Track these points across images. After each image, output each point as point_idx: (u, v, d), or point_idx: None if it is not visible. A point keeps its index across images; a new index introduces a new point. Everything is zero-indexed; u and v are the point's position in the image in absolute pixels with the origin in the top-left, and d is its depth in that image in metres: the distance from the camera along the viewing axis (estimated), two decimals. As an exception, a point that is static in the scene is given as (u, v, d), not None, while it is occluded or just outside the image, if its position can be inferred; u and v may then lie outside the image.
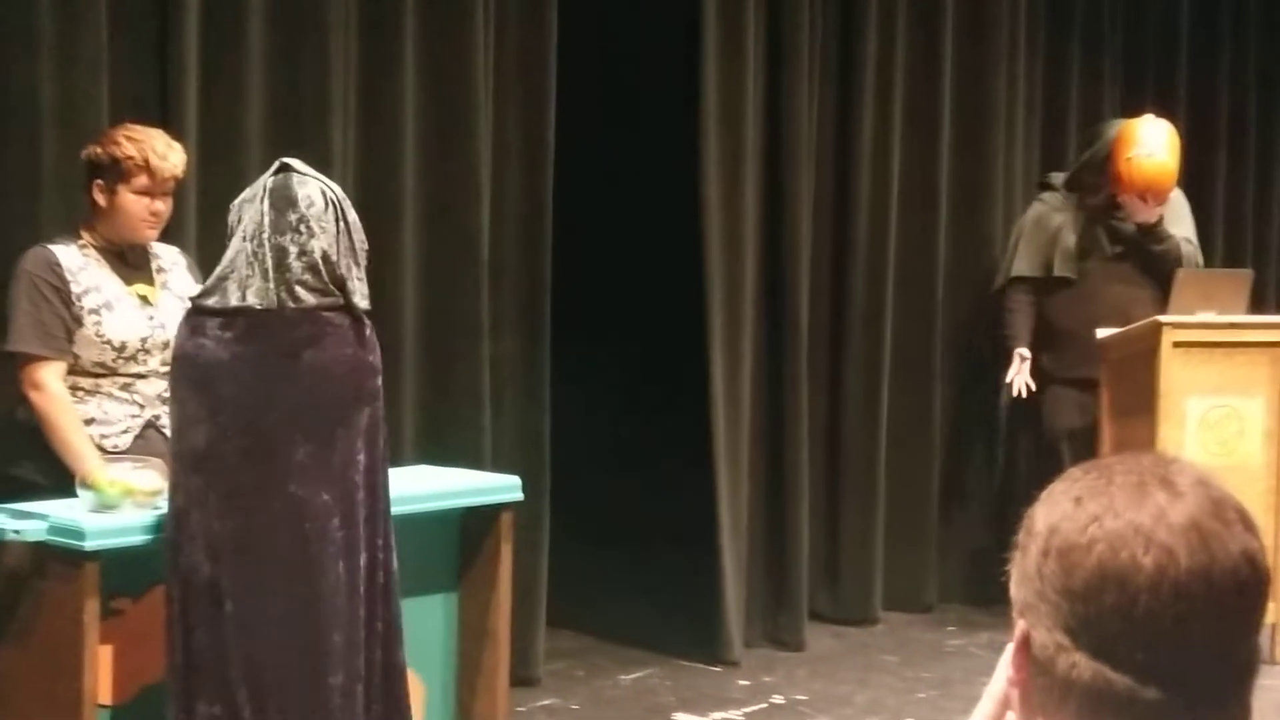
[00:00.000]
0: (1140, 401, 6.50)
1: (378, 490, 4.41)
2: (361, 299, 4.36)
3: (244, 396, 4.27)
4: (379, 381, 4.41)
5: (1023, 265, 7.29)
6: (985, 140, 7.93)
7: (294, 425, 4.28)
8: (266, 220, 4.30)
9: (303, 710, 4.28)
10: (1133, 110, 8.14)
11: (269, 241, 4.29)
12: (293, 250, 4.28)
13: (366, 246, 4.46)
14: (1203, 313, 6.56)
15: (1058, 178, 7.45)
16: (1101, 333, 6.76)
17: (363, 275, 4.38)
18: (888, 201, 7.54)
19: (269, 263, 4.27)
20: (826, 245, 7.49)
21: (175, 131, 5.03)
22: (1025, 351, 7.21)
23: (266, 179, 4.38)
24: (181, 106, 5.39)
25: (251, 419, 4.27)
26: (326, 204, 4.33)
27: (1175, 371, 6.42)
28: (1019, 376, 7.18)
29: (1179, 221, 7.13)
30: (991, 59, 7.92)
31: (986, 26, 7.91)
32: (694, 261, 6.88)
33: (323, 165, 5.51)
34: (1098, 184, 7.11)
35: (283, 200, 4.31)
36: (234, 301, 4.29)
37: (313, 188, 4.34)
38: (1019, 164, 8.13)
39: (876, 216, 7.51)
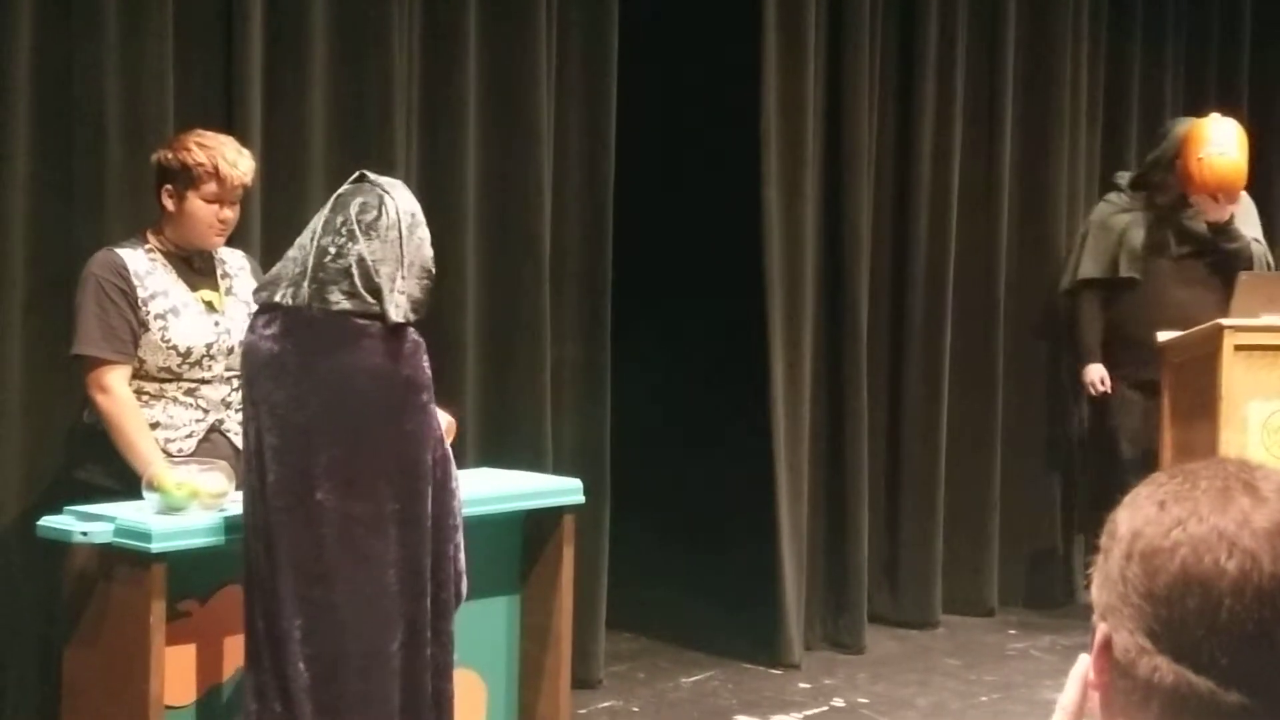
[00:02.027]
0: (1201, 405, 6.45)
1: (421, 507, 4.36)
2: (395, 310, 4.29)
3: (277, 395, 4.31)
4: (423, 397, 4.36)
5: (1089, 267, 7.26)
6: (1047, 143, 7.90)
7: (319, 429, 4.29)
8: (323, 223, 4.36)
9: (320, 714, 4.31)
10: (1195, 110, 8.11)
11: (317, 243, 4.33)
12: (331, 251, 4.30)
13: (431, 267, 4.43)
14: (1266, 316, 6.51)
15: (1123, 177, 7.41)
16: (1163, 336, 6.72)
17: (407, 289, 4.33)
18: (948, 203, 7.52)
19: (310, 262, 4.31)
20: (887, 247, 7.48)
21: (239, 136, 5.06)
22: (1098, 368, 7.19)
23: (343, 186, 4.43)
24: (246, 115, 5.42)
25: (281, 418, 4.30)
26: (381, 213, 4.32)
27: (1237, 375, 6.37)
28: (1099, 386, 7.18)
29: (1247, 222, 7.10)
30: (1053, 60, 7.89)
31: (1048, 29, 7.88)
32: (754, 263, 6.88)
33: (386, 172, 5.54)
34: (1166, 183, 7.08)
35: (341, 205, 4.36)
36: (277, 298, 4.34)
37: (373, 196, 4.35)
38: (1081, 166, 8.10)
39: (937, 219, 7.50)
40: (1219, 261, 6.97)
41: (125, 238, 4.88)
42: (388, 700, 4.35)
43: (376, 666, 4.33)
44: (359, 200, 4.34)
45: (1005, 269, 7.75)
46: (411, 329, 4.36)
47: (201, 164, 4.73)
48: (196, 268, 4.86)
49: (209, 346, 4.77)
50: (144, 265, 4.76)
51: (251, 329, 4.41)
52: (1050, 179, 7.91)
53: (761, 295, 6.86)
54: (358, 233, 4.30)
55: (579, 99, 6.41)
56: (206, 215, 4.77)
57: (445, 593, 4.46)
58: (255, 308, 4.47)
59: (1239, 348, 6.37)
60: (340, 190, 4.42)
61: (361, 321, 4.29)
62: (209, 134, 4.86)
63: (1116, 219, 7.21)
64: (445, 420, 4.59)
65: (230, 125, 5.27)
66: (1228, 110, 7.61)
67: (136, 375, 4.72)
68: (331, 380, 4.29)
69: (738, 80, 7.09)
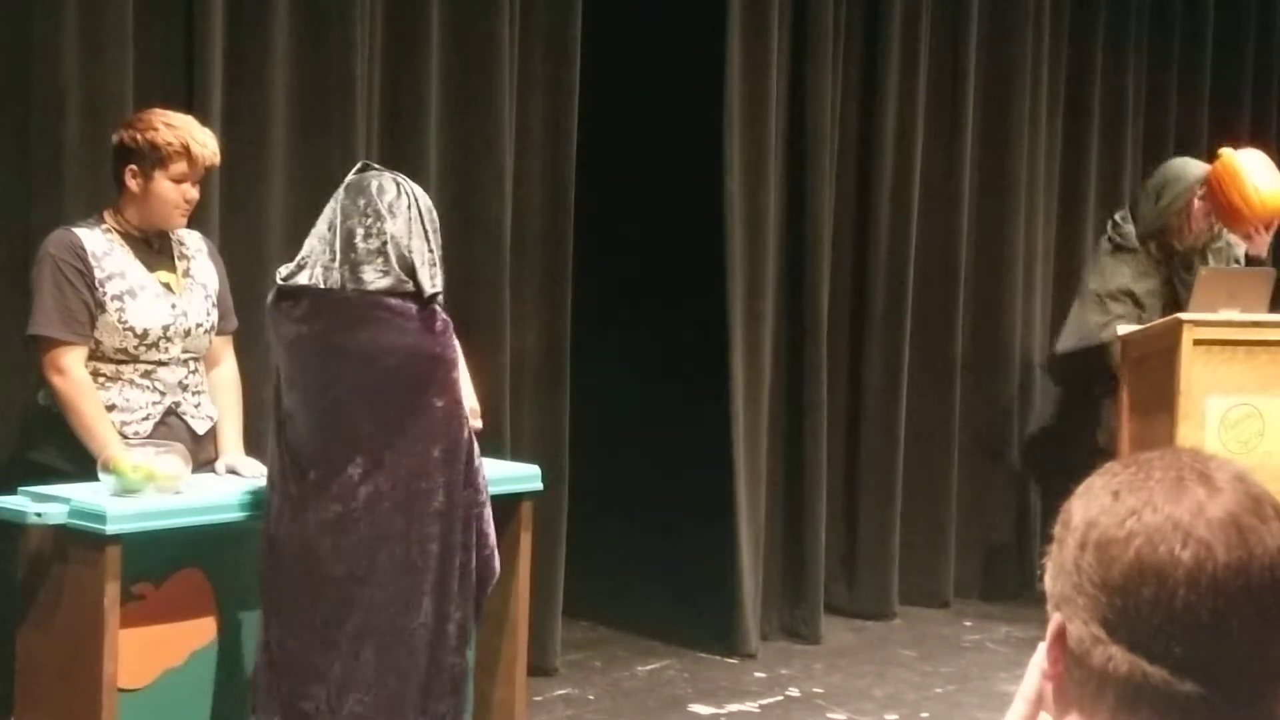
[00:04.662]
0: (1160, 400, 6.47)
1: (454, 484, 4.44)
2: (431, 285, 4.41)
3: (308, 374, 4.41)
4: (453, 374, 4.46)
5: (1127, 326, 7.03)
6: (1009, 133, 7.91)
7: (351, 408, 4.38)
8: (340, 208, 4.45)
9: (336, 684, 4.36)
10: (1157, 105, 8.14)
11: (340, 227, 4.43)
12: (359, 232, 4.41)
13: (441, 243, 4.56)
14: (1225, 311, 6.53)
15: (1126, 230, 7.08)
16: (1122, 329, 6.74)
17: (436, 263, 4.46)
18: (909, 196, 7.53)
19: (338, 245, 4.42)
20: (848, 240, 7.49)
21: (200, 116, 5.01)
22: None
23: (347, 177, 4.53)
24: (206, 92, 5.39)
25: (313, 397, 4.40)
26: (399, 193, 4.45)
27: (1196, 370, 6.39)
28: None
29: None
30: (1015, 52, 7.91)
31: (1011, 19, 7.90)
32: (716, 253, 6.88)
33: (346, 154, 5.53)
34: (1183, 229, 6.94)
35: (355, 190, 4.47)
36: (305, 281, 4.43)
37: (387, 179, 4.48)
38: (1042, 156, 8.12)
39: (898, 212, 7.51)
40: None
41: (83, 217, 4.83)
42: (406, 676, 4.39)
43: (395, 643, 4.38)
44: (375, 183, 4.47)
45: (965, 263, 7.77)
46: (439, 307, 4.44)
47: (171, 144, 4.68)
48: (155, 248, 4.81)
49: (166, 328, 4.73)
50: (101, 245, 4.71)
51: (277, 310, 4.48)
52: (1011, 171, 7.92)
53: (722, 286, 6.85)
54: (384, 213, 4.40)
55: (541, 86, 6.39)
56: (173, 196, 4.72)
57: (472, 568, 4.53)
58: (273, 293, 4.52)
59: (1198, 342, 6.39)
60: (347, 180, 4.52)
61: (395, 300, 4.38)
62: (171, 113, 4.80)
63: (1142, 285, 7.00)
64: (471, 402, 4.64)
65: (190, 105, 5.23)
66: (1189, 108, 7.63)
67: (93, 357, 4.68)
68: (364, 358, 4.38)
69: (701, 70, 7.08)
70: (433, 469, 4.40)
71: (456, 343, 4.49)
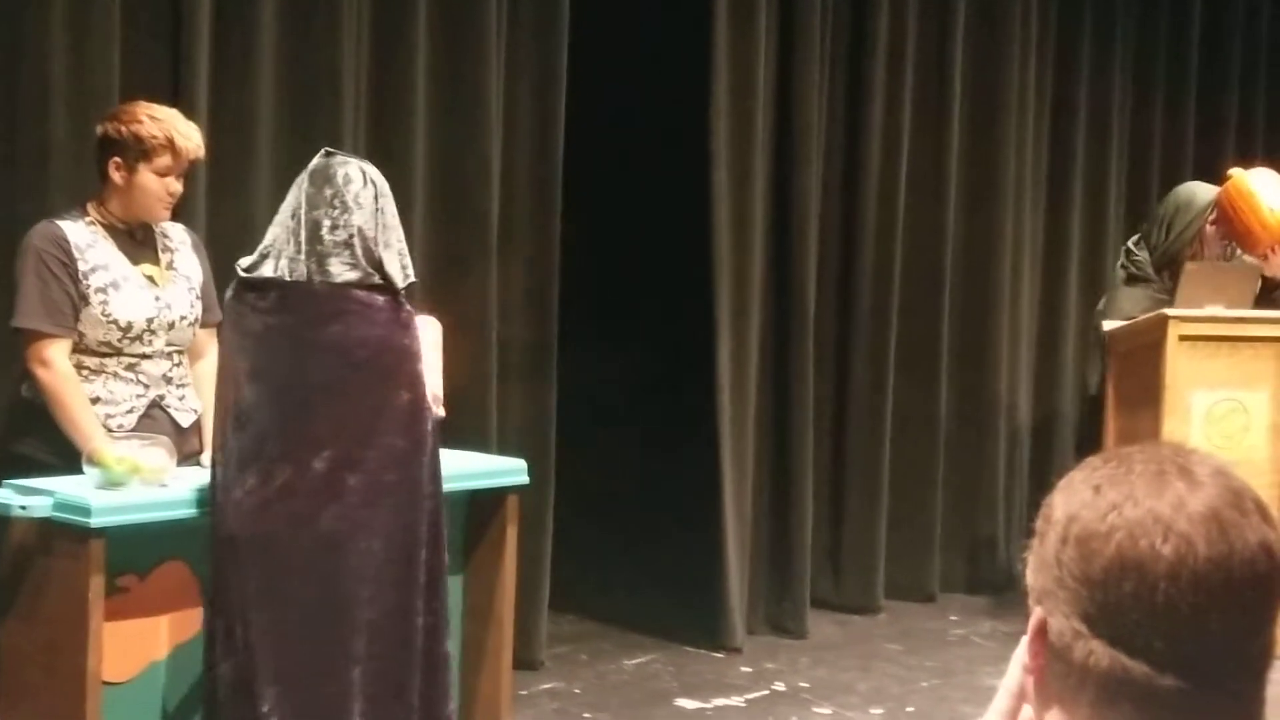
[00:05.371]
0: (1146, 394, 6.48)
1: (418, 477, 4.42)
2: (399, 277, 4.38)
3: (275, 367, 4.35)
4: (420, 367, 4.43)
5: (1113, 322, 6.99)
6: (995, 128, 7.92)
7: (319, 399, 4.34)
8: (304, 197, 4.40)
9: (305, 681, 4.33)
10: (1144, 100, 8.13)
11: (305, 217, 4.37)
12: (326, 224, 4.35)
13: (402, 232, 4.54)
14: (1211, 306, 6.54)
15: (1141, 258, 6.99)
16: (1108, 325, 6.74)
17: (404, 252, 4.44)
18: (896, 189, 7.53)
19: (303, 236, 4.36)
20: (835, 232, 7.49)
21: (186, 108, 5.01)
22: None
23: (311, 163, 4.47)
24: (193, 83, 5.38)
25: (279, 389, 4.34)
26: (365, 183, 4.41)
27: (1181, 365, 6.41)
28: None
29: None
30: (1002, 46, 7.91)
31: (998, 14, 7.90)
32: (702, 247, 6.88)
33: (333, 146, 5.51)
34: (1196, 254, 6.88)
35: (321, 178, 4.41)
36: (271, 273, 4.37)
37: (352, 168, 4.43)
38: (1029, 152, 8.13)
39: (885, 203, 7.51)
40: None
41: (66, 208, 4.80)
42: (376, 668, 4.37)
43: (356, 635, 4.36)
44: (341, 172, 4.41)
45: (951, 256, 7.77)
46: (404, 298, 4.41)
47: (155, 137, 4.66)
48: (138, 241, 4.79)
49: (150, 321, 4.72)
50: (85, 237, 4.69)
51: (240, 301, 4.42)
52: (997, 165, 7.93)
53: (709, 279, 6.85)
54: (350, 205, 4.36)
55: (529, 78, 6.39)
56: (157, 188, 4.70)
57: (438, 558, 4.50)
58: (235, 284, 4.45)
59: (1184, 338, 6.41)
60: (312, 166, 4.45)
61: (363, 293, 4.35)
62: (156, 106, 4.78)
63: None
64: (435, 390, 4.62)
65: (177, 95, 5.23)
66: (1175, 102, 7.60)
67: (77, 349, 4.66)
68: (335, 351, 4.34)
69: (688, 63, 7.07)
70: (398, 462, 4.37)
71: (419, 334, 4.45)
